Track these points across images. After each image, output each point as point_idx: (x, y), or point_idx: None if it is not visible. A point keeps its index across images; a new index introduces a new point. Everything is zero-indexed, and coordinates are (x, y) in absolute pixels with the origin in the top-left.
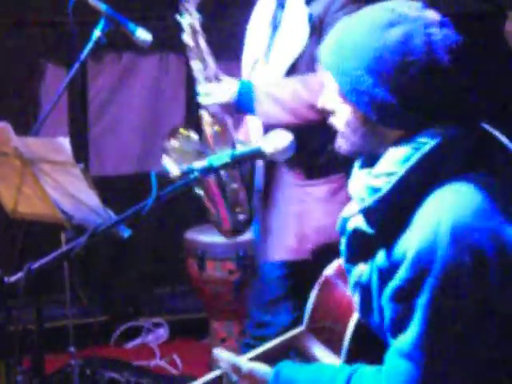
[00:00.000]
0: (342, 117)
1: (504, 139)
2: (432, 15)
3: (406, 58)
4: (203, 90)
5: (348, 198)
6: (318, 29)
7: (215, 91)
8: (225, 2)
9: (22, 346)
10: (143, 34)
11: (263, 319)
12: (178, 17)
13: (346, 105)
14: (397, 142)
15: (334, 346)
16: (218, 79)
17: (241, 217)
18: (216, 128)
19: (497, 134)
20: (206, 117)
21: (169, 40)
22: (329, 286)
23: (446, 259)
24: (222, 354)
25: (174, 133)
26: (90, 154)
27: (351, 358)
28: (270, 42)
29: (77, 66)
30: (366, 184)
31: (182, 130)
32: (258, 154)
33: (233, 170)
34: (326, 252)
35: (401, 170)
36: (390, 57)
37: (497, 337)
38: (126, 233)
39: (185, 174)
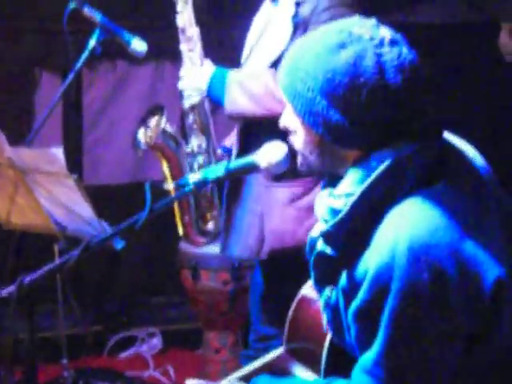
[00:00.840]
0: (300, 136)
1: (466, 149)
2: (384, 33)
3: (357, 80)
4: (182, 73)
5: (310, 204)
6: (302, 29)
7: (191, 74)
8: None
9: (14, 356)
10: (138, 45)
11: (267, 332)
12: None
13: (302, 125)
14: (355, 162)
15: (313, 365)
16: (202, 64)
17: (209, 225)
18: (193, 117)
19: (458, 144)
20: (185, 105)
21: (164, 48)
22: (304, 305)
23: (405, 278)
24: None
25: (155, 111)
26: (85, 162)
27: (330, 376)
28: (258, 39)
29: (71, 76)
30: (328, 205)
31: (159, 113)
32: (252, 167)
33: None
34: (282, 257)
35: (357, 192)
36: (341, 79)
37: (460, 354)
38: (120, 244)
39: (179, 186)
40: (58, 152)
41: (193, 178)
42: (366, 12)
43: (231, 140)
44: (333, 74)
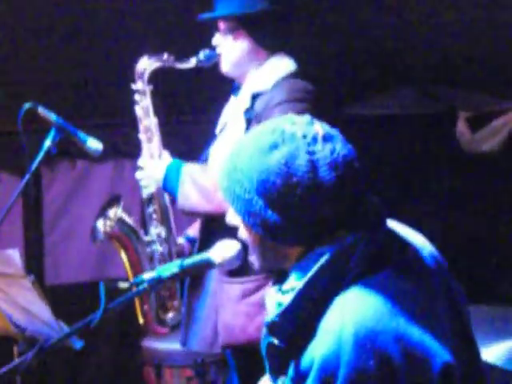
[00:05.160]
0: (244, 234)
1: (413, 238)
2: (317, 129)
3: (290, 180)
4: (139, 164)
5: (262, 301)
6: (255, 123)
7: (149, 165)
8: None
9: None
10: (94, 144)
11: None
12: (132, 85)
13: (244, 224)
14: (298, 258)
15: None
16: (160, 156)
17: (170, 315)
18: (153, 207)
19: (404, 233)
20: (143, 195)
21: (123, 147)
22: None
23: (351, 365)
24: None
25: (113, 202)
26: (46, 262)
27: None
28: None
29: (27, 176)
30: (276, 301)
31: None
32: (206, 263)
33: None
34: (237, 353)
35: (300, 285)
36: (274, 180)
37: None
38: (79, 344)
39: (134, 285)
40: (14, 254)
41: (147, 276)
42: (319, 106)
43: (195, 229)
44: (266, 175)
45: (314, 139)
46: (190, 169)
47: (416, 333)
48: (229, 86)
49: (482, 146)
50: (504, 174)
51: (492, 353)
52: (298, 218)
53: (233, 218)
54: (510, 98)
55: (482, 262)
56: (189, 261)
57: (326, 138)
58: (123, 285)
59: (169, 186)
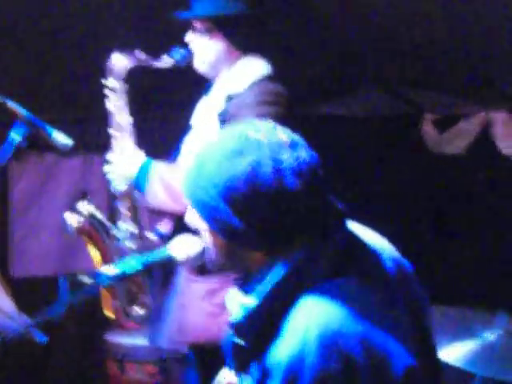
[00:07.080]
0: (208, 238)
1: (374, 241)
2: (281, 136)
3: (256, 187)
4: (110, 158)
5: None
6: (228, 124)
7: (120, 162)
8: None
9: None
10: (63, 139)
11: None
12: (103, 81)
13: (209, 230)
14: (264, 262)
15: None
16: (132, 152)
17: (139, 312)
18: (124, 203)
19: (366, 236)
20: (113, 190)
21: (92, 142)
22: None
23: (315, 366)
24: None
25: (86, 197)
26: (12, 254)
27: None
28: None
29: None
30: (239, 303)
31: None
32: (170, 260)
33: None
34: (199, 350)
35: (266, 288)
36: (240, 186)
37: None
38: (43, 339)
39: (96, 279)
40: None
41: (110, 271)
42: (290, 108)
43: (165, 225)
44: (232, 182)
45: (279, 146)
46: (159, 167)
47: (379, 336)
48: (200, 82)
49: (448, 147)
50: (469, 176)
51: (453, 354)
52: (263, 224)
53: (196, 223)
54: (477, 101)
55: (444, 263)
56: (152, 257)
57: (291, 146)
58: (86, 280)
59: (139, 184)
